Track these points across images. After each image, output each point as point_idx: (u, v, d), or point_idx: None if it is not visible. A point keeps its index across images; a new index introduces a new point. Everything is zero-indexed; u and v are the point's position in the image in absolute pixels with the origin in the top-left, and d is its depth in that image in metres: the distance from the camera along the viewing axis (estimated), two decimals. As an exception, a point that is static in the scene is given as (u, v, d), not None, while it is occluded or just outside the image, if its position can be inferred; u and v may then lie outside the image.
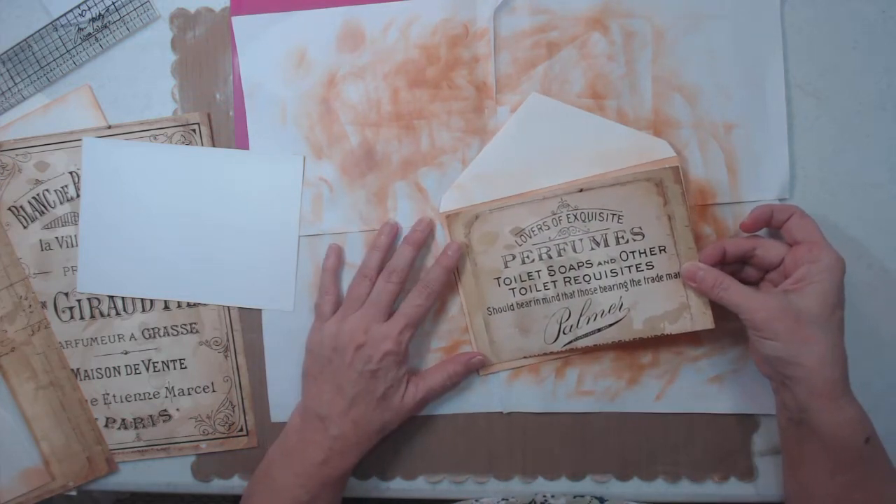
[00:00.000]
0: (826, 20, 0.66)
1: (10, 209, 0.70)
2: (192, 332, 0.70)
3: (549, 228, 0.65)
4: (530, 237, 0.65)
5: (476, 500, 0.67)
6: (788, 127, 0.65)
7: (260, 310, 0.69)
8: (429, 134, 0.67)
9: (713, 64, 0.65)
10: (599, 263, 0.65)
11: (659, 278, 0.64)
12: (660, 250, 0.64)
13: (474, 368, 0.67)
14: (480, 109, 0.67)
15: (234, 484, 0.71)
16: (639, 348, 0.67)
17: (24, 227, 0.70)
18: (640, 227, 0.64)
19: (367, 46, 0.67)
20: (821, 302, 0.56)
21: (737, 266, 0.64)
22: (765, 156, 0.65)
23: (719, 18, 0.65)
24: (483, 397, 0.68)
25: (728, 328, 0.65)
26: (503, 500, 0.65)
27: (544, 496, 0.65)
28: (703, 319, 0.64)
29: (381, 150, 0.67)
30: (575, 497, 0.65)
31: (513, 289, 0.66)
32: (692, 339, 0.66)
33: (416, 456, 0.69)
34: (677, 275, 0.64)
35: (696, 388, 0.67)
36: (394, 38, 0.67)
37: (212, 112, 0.69)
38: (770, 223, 0.62)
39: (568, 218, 0.65)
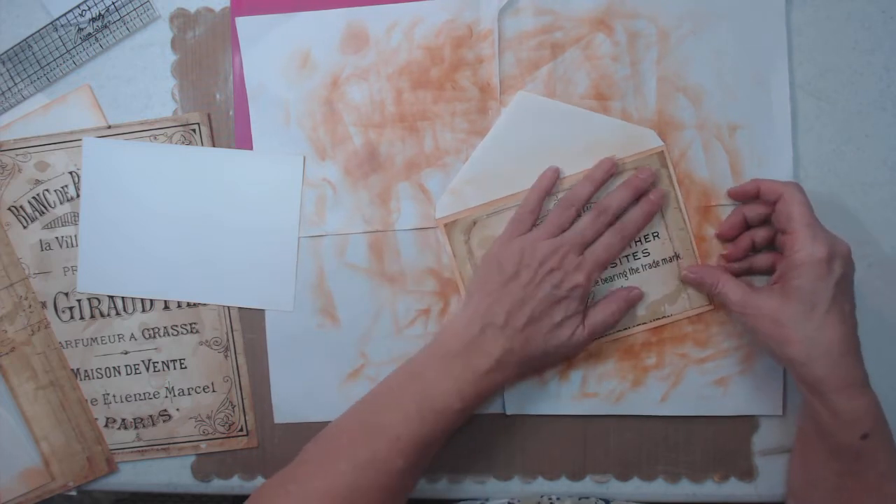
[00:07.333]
0: (826, 20, 0.66)
1: (10, 209, 0.69)
2: (192, 332, 0.70)
3: None
4: None
5: (482, 501, 0.67)
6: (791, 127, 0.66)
7: (260, 310, 0.69)
8: (432, 135, 0.67)
9: (718, 65, 0.65)
10: None
11: (655, 264, 0.66)
12: (653, 236, 0.65)
13: (634, 303, 0.66)
14: (484, 111, 0.67)
15: (234, 484, 0.71)
16: (643, 350, 0.67)
17: (24, 227, 0.69)
18: None
19: (371, 47, 0.67)
20: (795, 301, 0.55)
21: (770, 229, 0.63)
22: (769, 157, 0.65)
23: (724, 19, 0.65)
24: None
25: (731, 329, 0.66)
26: (508, 502, 0.66)
27: (549, 498, 0.65)
28: (700, 299, 0.66)
29: (384, 151, 0.67)
30: (580, 498, 0.65)
31: None
32: (697, 341, 0.66)
33: (418, 456, 0.69)
34: (672, 258, 0.65)
35: (701, 391, 0.66)
36: (397, 40, 0.67)
37: (212, 112, 0.69)
38: (758, 199, 0.61)
39: None
